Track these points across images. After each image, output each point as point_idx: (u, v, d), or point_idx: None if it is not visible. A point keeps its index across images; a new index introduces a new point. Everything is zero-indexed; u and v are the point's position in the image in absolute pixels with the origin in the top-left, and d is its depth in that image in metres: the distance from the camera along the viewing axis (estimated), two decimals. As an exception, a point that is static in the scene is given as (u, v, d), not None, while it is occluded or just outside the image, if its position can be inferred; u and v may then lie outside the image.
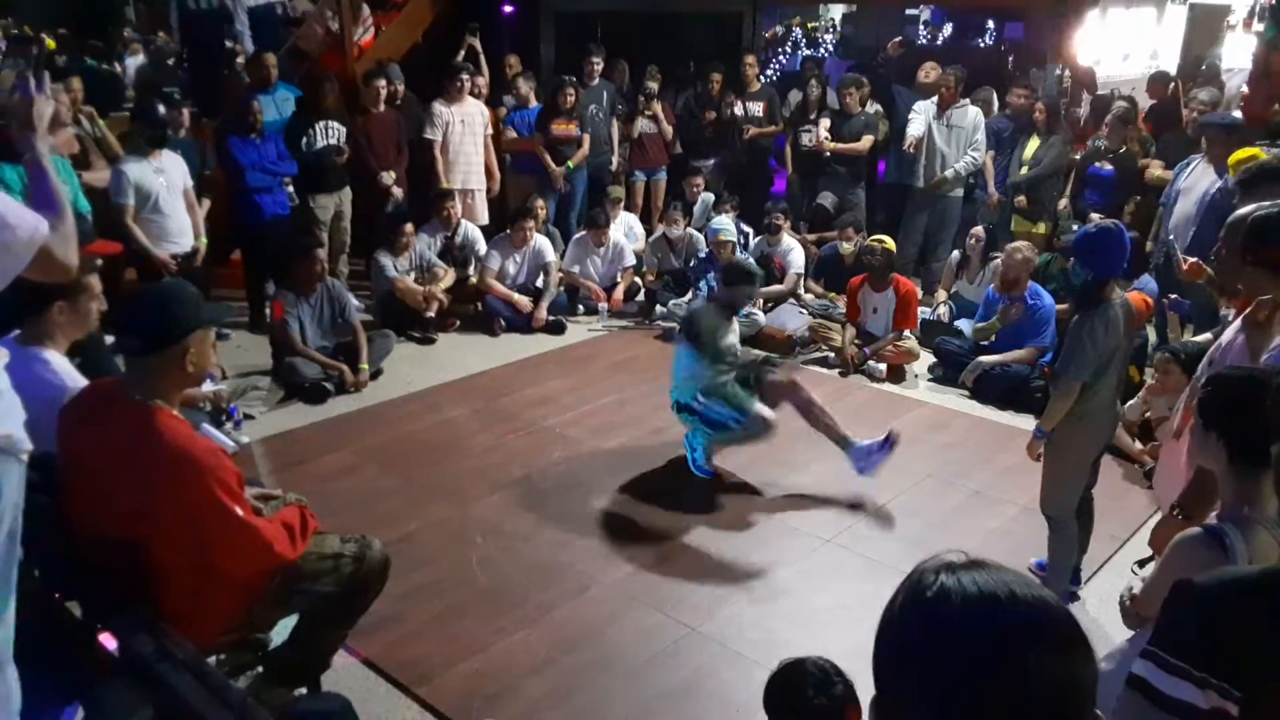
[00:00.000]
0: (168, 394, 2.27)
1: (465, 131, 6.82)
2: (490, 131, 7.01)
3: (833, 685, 2.02)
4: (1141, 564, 2.30)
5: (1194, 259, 3.84)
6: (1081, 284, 3.19)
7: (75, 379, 2.72)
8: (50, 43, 8.57)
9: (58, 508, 2.34)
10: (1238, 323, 2.73)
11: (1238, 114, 6.26)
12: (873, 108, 7.42)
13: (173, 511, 2.19)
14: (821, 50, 14.33)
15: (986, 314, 5.70)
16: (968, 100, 6.94)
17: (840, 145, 7.27)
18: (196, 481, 2.18)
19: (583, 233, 7.04)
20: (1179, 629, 1.37)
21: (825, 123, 7.33)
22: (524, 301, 6.52)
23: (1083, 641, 0.87)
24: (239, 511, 2.23)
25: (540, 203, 6.90)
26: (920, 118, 6.86)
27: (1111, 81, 8.23)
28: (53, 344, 2.78)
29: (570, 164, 7.21)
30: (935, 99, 6.87)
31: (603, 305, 6.88)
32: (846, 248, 6.64)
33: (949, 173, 6.80)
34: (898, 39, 9.20)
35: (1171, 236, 4.98)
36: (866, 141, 7.26)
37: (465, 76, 6.82)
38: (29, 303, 2.69)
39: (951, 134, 6.82)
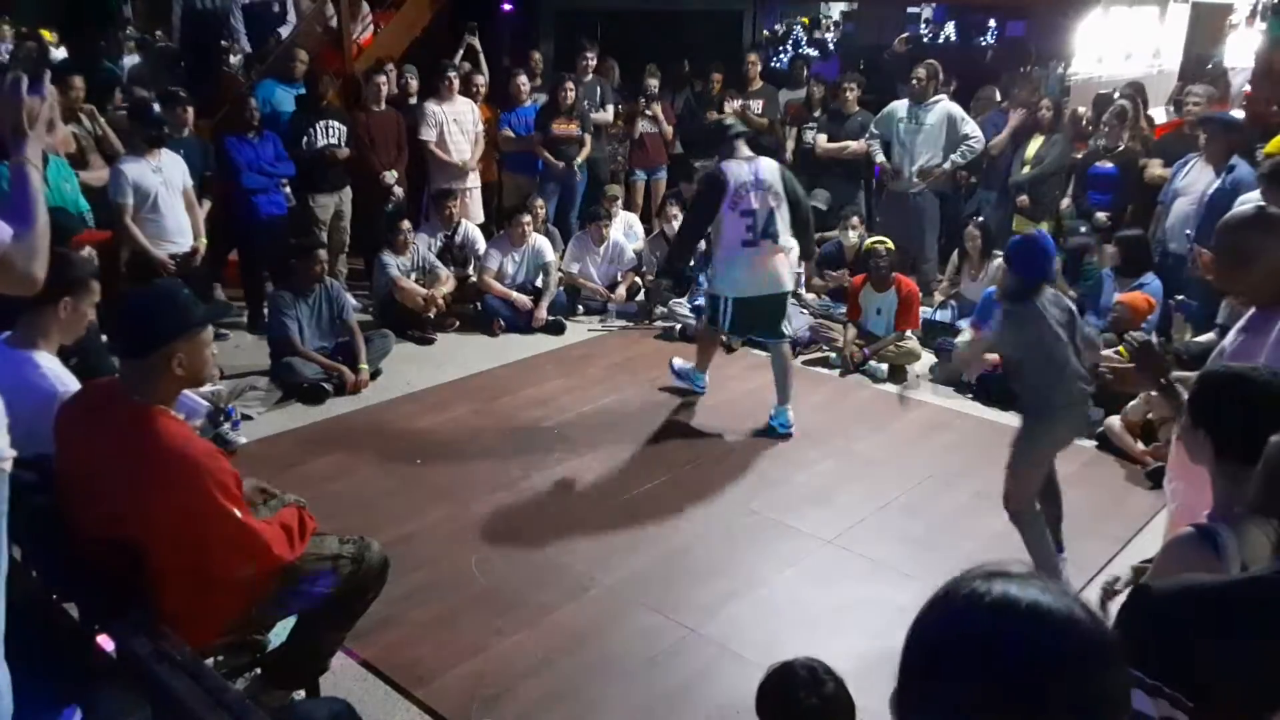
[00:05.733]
0: (163, 396, 2.26)
1: (459, 130, 6.81)
2: (480, 129, 6.98)
3: (823, 685, 1.99)
4: (1145, 564, 2.29)
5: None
6: (1013, 286, 3.46)
7: (66, 381, 2.69)
8: (48, 34, 8.55)
9: (56, 508, 2.32)
10: (1242, 322, 2.71)
11: (1240, 113, 6.25)
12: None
13: (170, 513, 2.18)
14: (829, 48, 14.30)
15: (984, 314, 5.68)
16: (943, 96, 6.75)
17: (835, 146, 7.23)
18: (195, 483, 2.16)
19: (582, 231, 7.03)
20: (1133, 636, 1.37)
21: (822, 137, 7.30)
22: (523, 300, 6.50)
23: (1123, 667, 0.89)
24: (237, 513, 2.22)
25: (539, 201, 6.89)
26: (877, 141, 6.80)
27: (1114, 81, 8.20)
28: (45, 344, 2.75)
29: (578, 161, 7.19)
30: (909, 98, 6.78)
31: (612, 305, 6.86)
32: (851, 237, 6.60)
33: (947, 164, 6.62)
34: (904, 35, 9.15)
35: (1191, 234, 4.96)
36: (864, 144, 7.21)
37: (453, 75, 6.81)
38: (35, 295, 2.64)
39: (920, 132, 6.64)
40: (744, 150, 4.85)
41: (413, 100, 6.95)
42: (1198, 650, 1.32)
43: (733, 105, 7.70)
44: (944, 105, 6.65)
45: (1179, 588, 1.42)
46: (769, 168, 4.82)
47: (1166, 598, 1.40)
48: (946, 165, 6.64)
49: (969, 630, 0.87)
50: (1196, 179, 5.38)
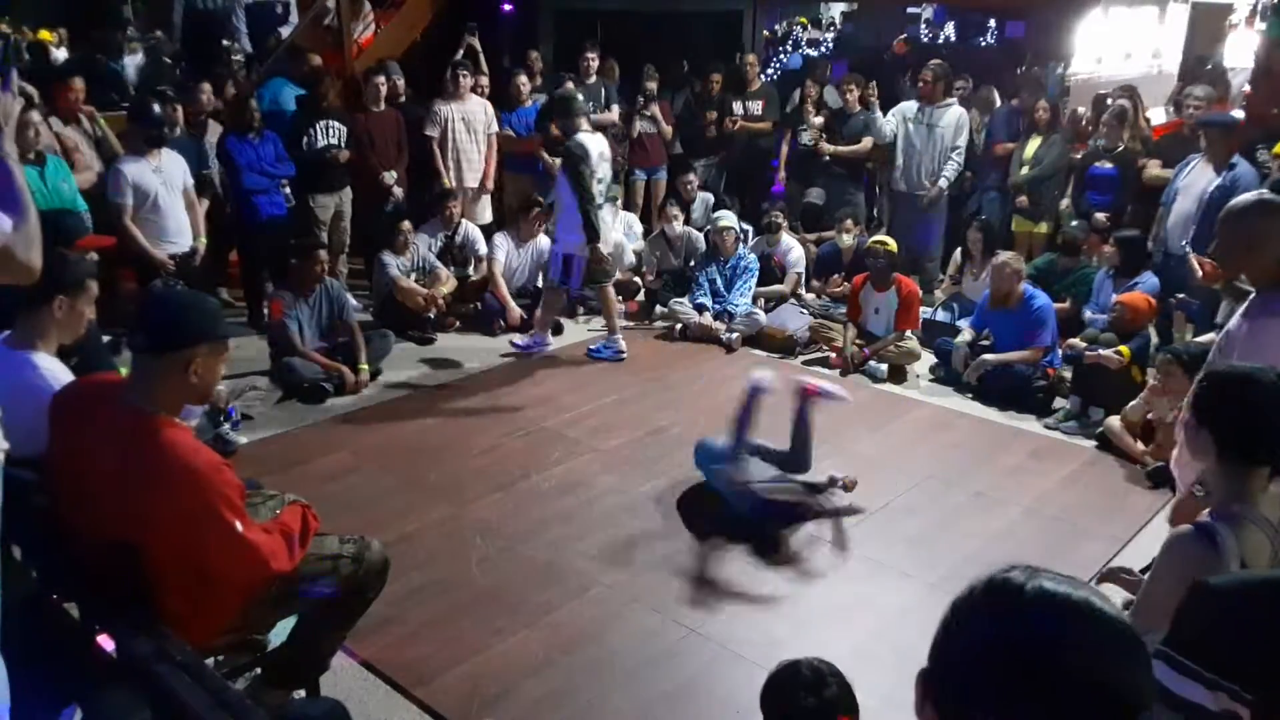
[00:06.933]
0: (170, 402, 2.23)
1: (465, 130, 6.80)
2: (494, 129, 6.98)
3: (825, 688, 1.99)
4: (1146, 570, 2.28)
5: (1209, 261, 3.81)
6: None
7: (64, 381, 2.68)
8: (47, 35, 8.53)
9: (54, 507, 2.32)
10: (1244, 307, 2.71)
11: (1240, 113, 6.25)
12: (873, 111, 7.32)
13: (172, 520, 2.16)
14: (823, 49, 14.29)
15: (980, 318, 5.69)
16: (954, 100, 6.77)
17: (837, 148, 7.23)
18: (199, 495, 2.15)
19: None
20: (1192, 629, 1.38)
21: (823, 137, 7.29)
22: (515, 316, 6.45)
23: (1146, 656, 0.93)
24: (238, 527, 2.19)
25: (542, 201, 6.89)
26: (893, 121, 6.78)
27: (1114, 81, 8.21)
28: (44, 344, 2.74)
29: None
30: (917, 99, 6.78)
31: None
32: (846, 240, 6.60)
33: (941, 182, 6.69)
34: (903, 36, 9.16)
35: (1184, 243, 4.95)
36: (866, 143, 7.20)
37: (463, 73, 6.80)
38: (30, 296, 2.65)
39: (931, 135, 6.63)
40: (585, 125, 5.55)
41: (400, 99, 6.91)
42: (1258, 644, 1.32)
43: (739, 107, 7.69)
44: (957, 109, 6.71)
45: (1238, 582, 1.44)
46: (606, 142, 5.75)
47: (1226, 592, 1.41)
48: (941, 183, 6.69)
49: (1037, 623, 0.90)
50: (1197, 179, 5.39)
